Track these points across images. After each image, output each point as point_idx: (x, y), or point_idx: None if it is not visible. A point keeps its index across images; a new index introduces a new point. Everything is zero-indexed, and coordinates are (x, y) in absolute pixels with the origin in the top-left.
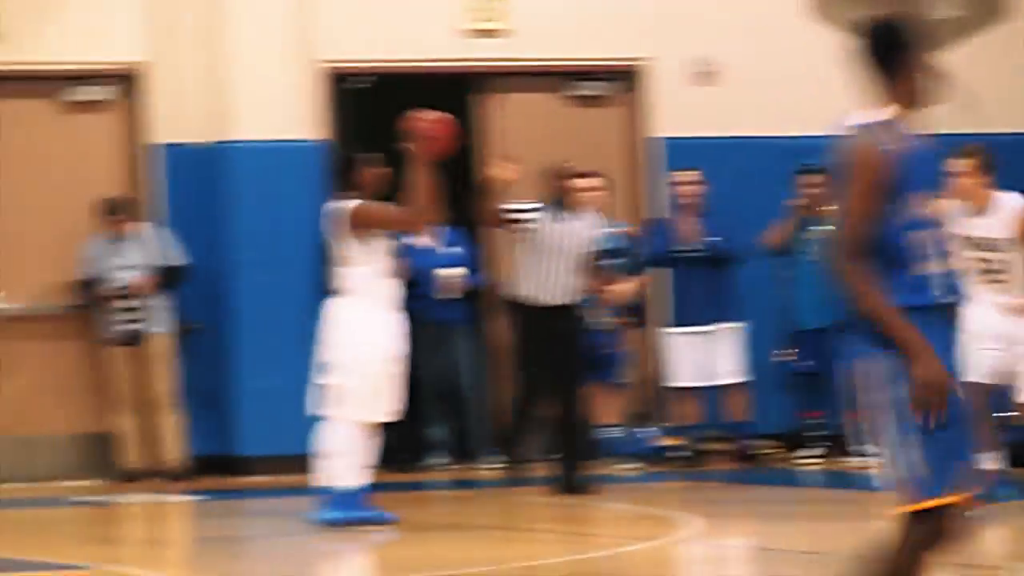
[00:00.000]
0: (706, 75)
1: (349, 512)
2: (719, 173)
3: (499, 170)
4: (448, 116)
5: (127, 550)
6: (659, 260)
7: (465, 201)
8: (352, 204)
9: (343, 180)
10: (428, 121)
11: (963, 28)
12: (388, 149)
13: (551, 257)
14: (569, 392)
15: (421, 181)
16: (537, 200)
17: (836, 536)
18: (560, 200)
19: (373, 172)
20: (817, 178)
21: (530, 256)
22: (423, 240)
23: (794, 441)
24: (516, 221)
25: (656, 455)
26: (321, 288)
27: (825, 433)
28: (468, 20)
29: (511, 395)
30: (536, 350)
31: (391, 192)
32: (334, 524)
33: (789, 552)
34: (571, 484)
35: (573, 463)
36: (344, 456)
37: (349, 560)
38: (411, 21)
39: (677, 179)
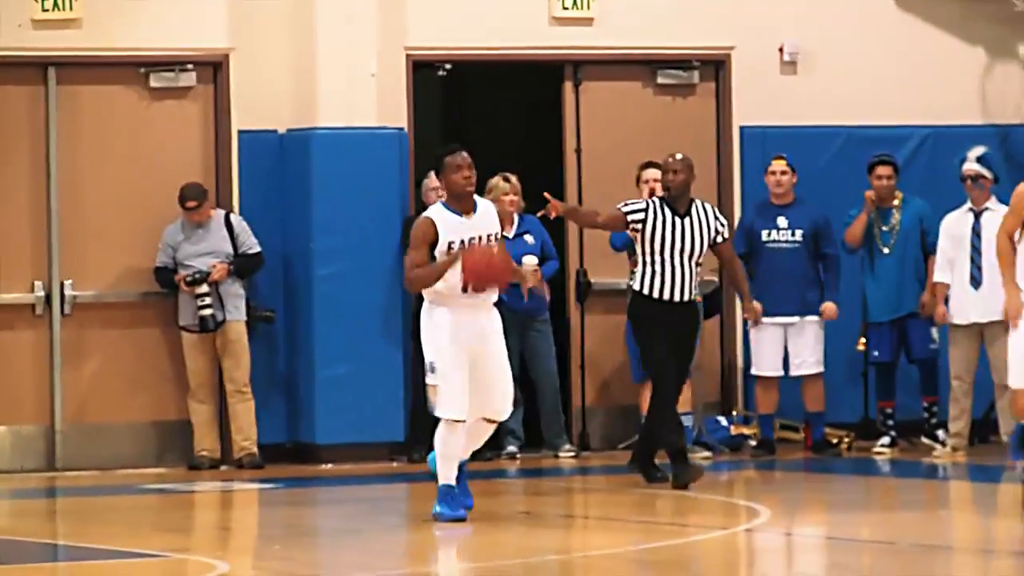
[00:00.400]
0: (792, 64)
1: (450, 508)
2: (806, 162)
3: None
4: (498, 259)
5: (199, 538)
6: (747, 250)
7: (544, 191)
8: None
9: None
10: (475, 259)
11: None
12: (472, 137)
13: (672, 252)
14: (679, 386)
15: (446, 264)
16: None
17: (905, 525)
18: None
19: (450, 177)
20: (888, 169)
21: (651, 252)
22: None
23: (867, 431)
24: (637, 221)
25: (731, 443)
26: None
27: (895, 423)
28: (556, 8)
29: (640, 396)
30: (661, 345)
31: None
32: (440, 519)
33: (858, 541)
34: (681, 477)
35: (679, 456)
36: (441, 453)
37: (418, 550)
38: (497, 8)
39: (769, 168)
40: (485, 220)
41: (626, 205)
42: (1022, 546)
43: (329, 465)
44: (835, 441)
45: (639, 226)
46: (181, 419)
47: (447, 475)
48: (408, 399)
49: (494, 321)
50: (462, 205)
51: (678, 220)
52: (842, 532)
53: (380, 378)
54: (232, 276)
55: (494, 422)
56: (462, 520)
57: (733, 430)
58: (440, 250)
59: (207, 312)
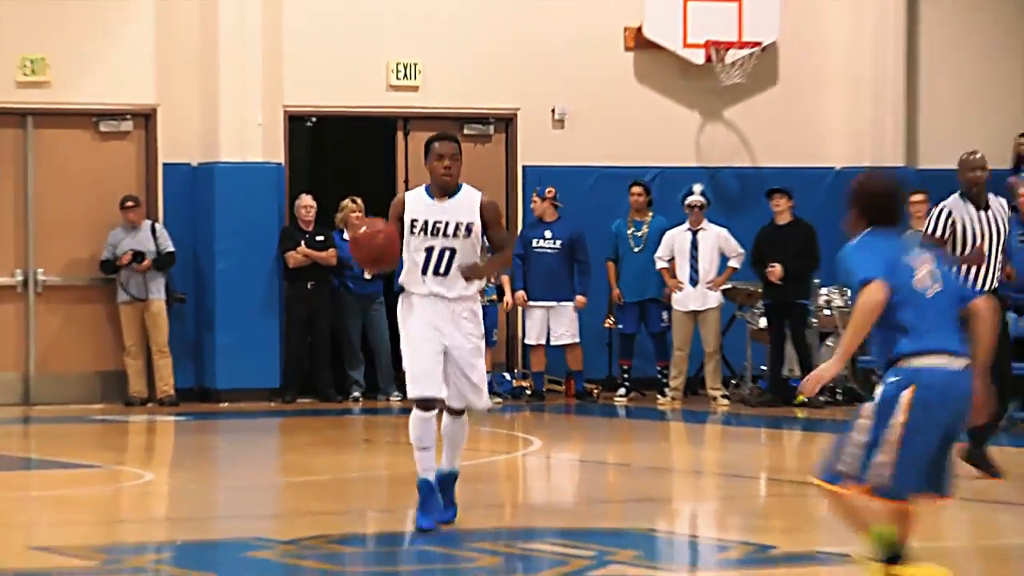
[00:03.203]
0: (560, 121)
1: (424, 517)
2: (570, 192)
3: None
4: (379, 229)
5: (131, 455)
6: (523, 252)
7: None
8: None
9: None
10: (359, 232)
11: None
12: (329, 171)
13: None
14: None
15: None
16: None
17: (638, 452)
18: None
19: (432, 164)
20: (640, 189)
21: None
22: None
23: (611, 384)
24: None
25: (513, 393)
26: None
27: (631, 379)
28: (392, 79)
29: None
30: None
31: None
32: (417, 527)
33: (604, 463)
34: None
35: None
36: (413, 444)
37: (290, 464)
38: (341, 73)
39: (542, 194)
40: (458, 208)
41: None
42: (722, 468)
43: (225, 404)
44: (590, 391)
45: None
46: (119, 369)
47: (423, 467)
48: (282, 358)
49: (466, 313)
50: (437, 191)
51: None
52: (592, 456)
53: (261, 342)
54: (154, 268)
55: (457, 413)
56: (430, 530)
57: (515, 383)
58: (405, 225)
59: (138, 293)
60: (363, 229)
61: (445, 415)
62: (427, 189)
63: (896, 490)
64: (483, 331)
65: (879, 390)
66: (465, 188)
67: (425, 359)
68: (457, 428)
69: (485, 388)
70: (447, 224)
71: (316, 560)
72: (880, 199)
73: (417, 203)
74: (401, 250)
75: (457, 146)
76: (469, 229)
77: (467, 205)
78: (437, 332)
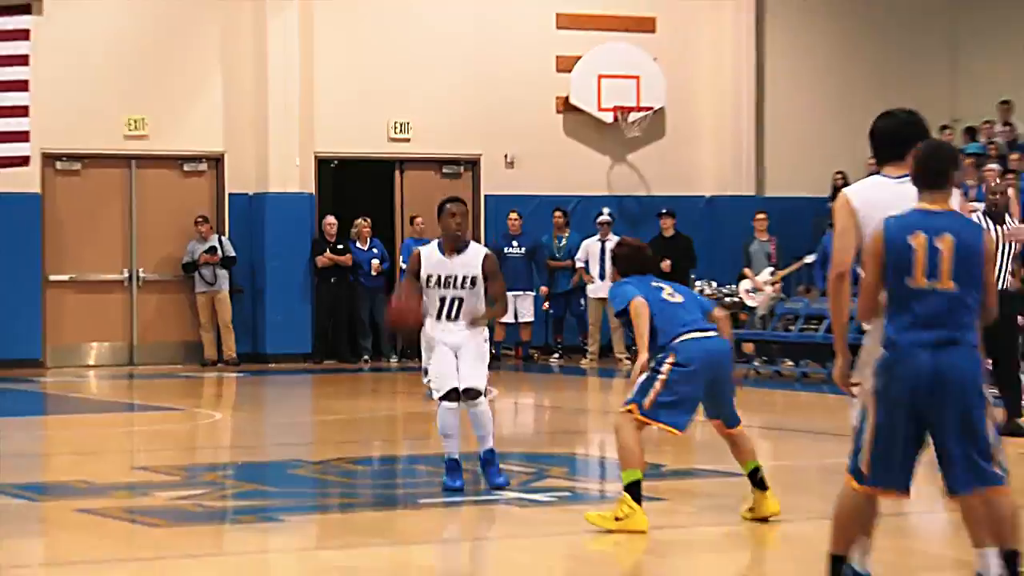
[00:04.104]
0: (512, 163)
1: (450, 479)
2: (523, 212)
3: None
4: (404, 310)
5: (203, 401)
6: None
7: None
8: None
9: None
10: (392, 305)
11: None
12: (346, 199)
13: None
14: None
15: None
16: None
17: (566, 398)
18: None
19: (444, 221)
20: (559, 213)
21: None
22: None
23: (548, 350)
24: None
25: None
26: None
27: (564, 345)
28: (391, 132)
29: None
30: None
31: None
32: (444, 487)
33: (542, 406)
34: None
35: None
36: (440, 432)
37: (312, 404)
38: (356, 129)
39: (509, 218)
40: (465, 264)
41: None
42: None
43: (271, 364)
44: (532, 355)
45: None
46: (196, 340)
47: (448, 449)
48: (313, 331)
49: (470, 336)
50: (448, 245)
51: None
52: (534, 401)
53: (298, 320)
54: (220, 265)
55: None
56: (459, 490)
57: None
58: (422, 279)
59: (210, 286)
60: (399, 308)
61: (465, 405)
62: (439, 245)
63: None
64: (486, 349)
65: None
66: (472, 245)
67: (444, 365)
68: (479, 413)
69: (483, 379)
70: (456, 278)
71: (338, 475)
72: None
73: (430, 259)
74: (423, 320)
75: (465, 207)
76: (474, 282)
77: (472, 260)
78: (452, 351)
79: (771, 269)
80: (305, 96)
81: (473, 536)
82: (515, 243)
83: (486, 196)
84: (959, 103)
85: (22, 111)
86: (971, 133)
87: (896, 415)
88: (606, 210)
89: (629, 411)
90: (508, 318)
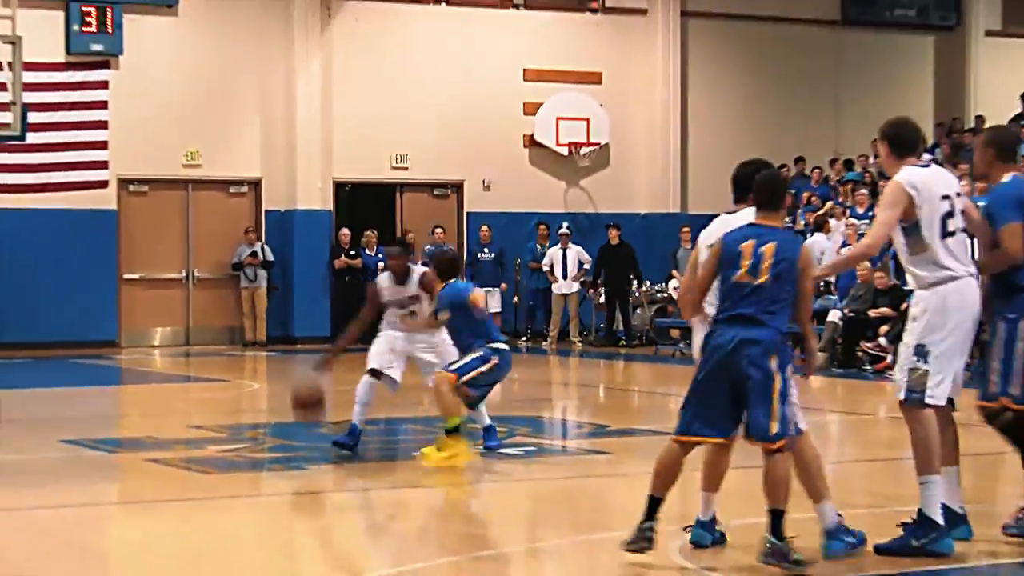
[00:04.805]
0: (487, 186)
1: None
2: (496, 226)
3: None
4: (315, 404)
5: (245, 374)
6: (471, 261)
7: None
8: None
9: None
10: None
11: None
12: (357, 217)
13: None
14: None
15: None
16: None
17: (531, 372)
18: None
19: (390, 263)
20: (544, 226)
21: None
22: None
23: (518, 335)
24: None
25: None
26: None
27: (532, 331)
28: (393, 162)
29: None
30: None
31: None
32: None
33: (512, 379)
34: None
35: None
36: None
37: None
38: (365, 159)
39: (482, 230)
40: (409, 288)
41: None
42: (579, 381)
43: (299, 345)
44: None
45: None
46: (239, 325)
47: (355, 414)
48: (331, 318)
49: (425, 339)
50: (396, 279)
51: None
52: (515, 376)
53: (320, 309)
54: (260, 266)
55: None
56: (349, 447)
57: None
58: (384, 300)
59: (252, 282)
60: (304, 396)
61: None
62: (390, 275)
63: None
64: (435, 343)
65: None
66: (412, 270)
67: (381, 347)
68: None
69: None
70: (405, 299)
71: None
72: None
73: (385, 288)
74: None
75: (402, 250)
76: (418, 299)
77: (414, 283)
78: (398, 349)
79: None
80: (325, 134)
81: (458, 481)
82: (486, 250)
83: (468, 213)
84: (841, 141)
85: (102, 145)
86: (849, 164)
87: (711, 377)
88: (565, 224)
89: (449, 378)
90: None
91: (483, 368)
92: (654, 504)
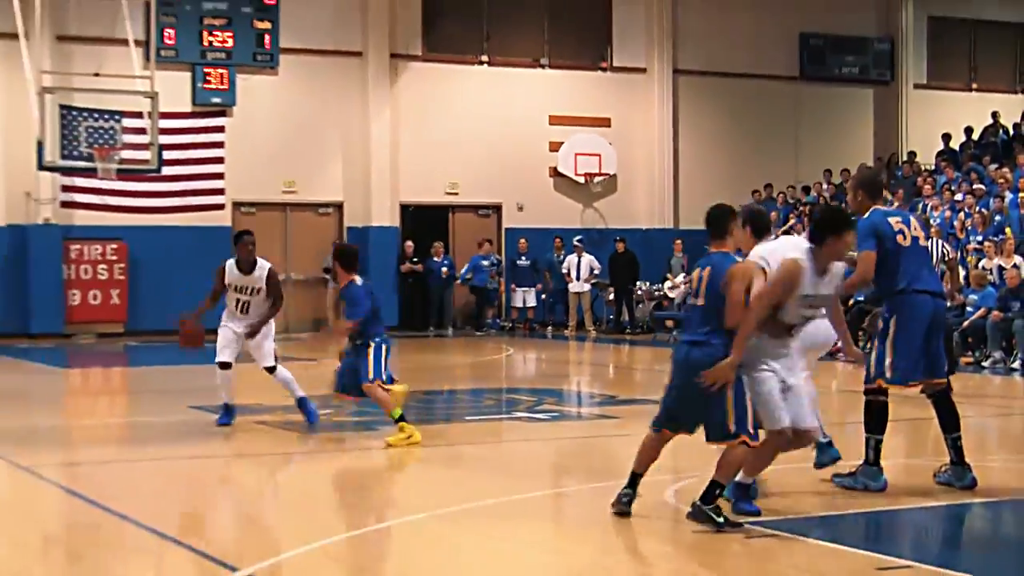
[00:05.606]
0: (520, 207)
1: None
2: (535, 243)
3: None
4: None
5: (330, 354)
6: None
7: None
8: None
9: None
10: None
11: None
12: (418, 233)
13: None
14: None
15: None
16: None
17: (554, 354)
18: None
19: (239, 248)
20: (524, 240)
21: None
22: None
23: (545, 324)
24: None
25: (501, 329)
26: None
27: (554, 321)
28: (448, 188)
29: None
30: None
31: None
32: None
33: (540, 359)
34: None
35: None
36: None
37: (392, 360)
38: (424, 186)
39: (519, 242)
40: (253, 278)
41: None
42: (593, 362)
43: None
44: (535, 328)
45: None
46: (325, 318)
47: (222, 396)
48: (399, 312)
49: (259, 332)
50: (243, 267)
51: None
52: (534, 355)
53: (390, 304)
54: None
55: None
56: (227, 424)
57: (501, 324)
58: (227, 283)
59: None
60: (190, 333)
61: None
62: (236, 263)
63: None
64: (271, 331)
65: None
66: (259, 263)
67: (225, 341)
68: (282, 379)
69: (270, 356)
70: (247, 287)
71: (414, 402)
72: None
73: (231, 273)
74: (201, 340)
75: (252, 239)
76: (259, 291)
77: (259, 275)
78: (238, 334)
79: (683, 275)
80: (393, 165)
81: (499, 439)
82: (524, 258)
83: (506, 228)
84: (800, 171)
85: (220, 176)
86: (807, 189)
87: (675, 387)
88: (578, 237)
89: (374, 386)
90: (518, 303)
91: (384, 358)
92: (635, 478)
